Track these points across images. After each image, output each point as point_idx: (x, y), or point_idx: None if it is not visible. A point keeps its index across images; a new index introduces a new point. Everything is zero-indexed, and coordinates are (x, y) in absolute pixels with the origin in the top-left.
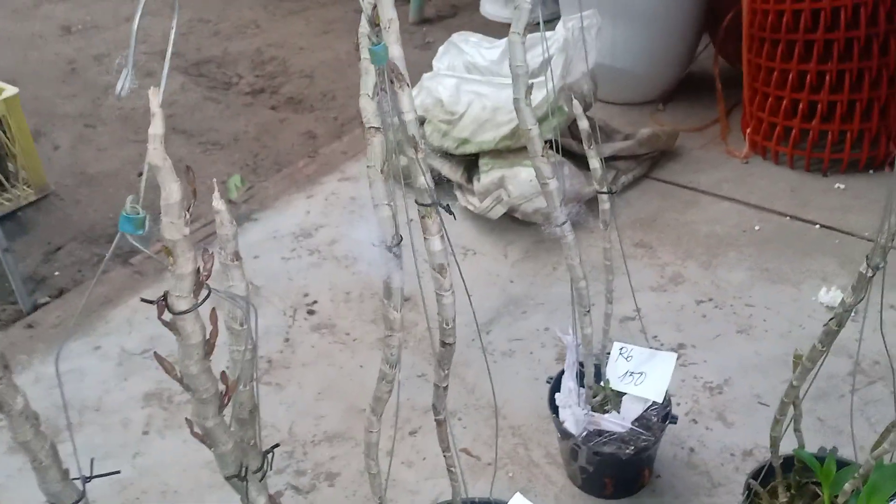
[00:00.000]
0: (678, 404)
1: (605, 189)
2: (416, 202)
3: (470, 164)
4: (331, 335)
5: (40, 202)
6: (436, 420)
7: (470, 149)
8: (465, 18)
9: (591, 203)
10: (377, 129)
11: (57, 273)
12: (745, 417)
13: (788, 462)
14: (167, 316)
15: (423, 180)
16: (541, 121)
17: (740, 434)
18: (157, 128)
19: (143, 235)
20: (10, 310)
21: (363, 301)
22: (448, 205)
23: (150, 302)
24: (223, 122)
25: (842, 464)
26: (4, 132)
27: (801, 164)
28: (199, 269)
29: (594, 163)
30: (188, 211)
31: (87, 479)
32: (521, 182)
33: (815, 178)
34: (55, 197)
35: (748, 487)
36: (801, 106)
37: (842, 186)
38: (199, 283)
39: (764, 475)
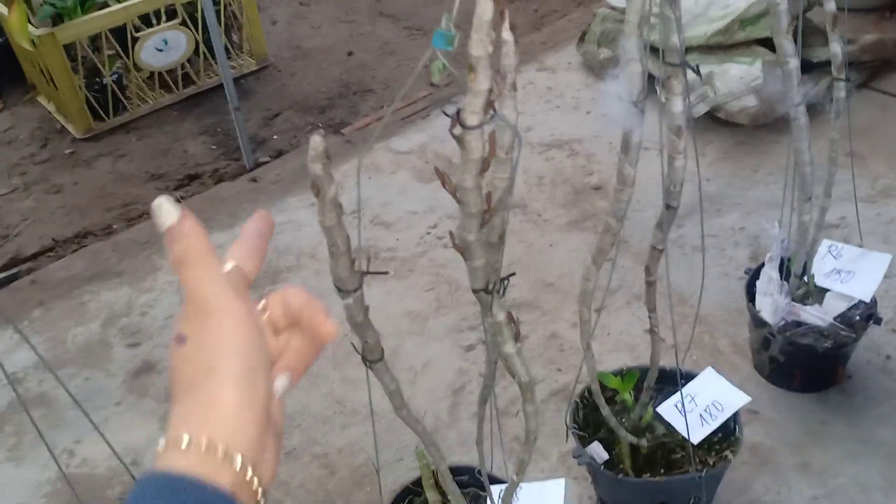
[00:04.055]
0: (879, 312)
1: (842, 76)
2: (664, 61)
3: None
4: (523, 214)
5: (260, 72)
6: (646, 281)
7: None
8: None
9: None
10: None
11: (275, 136)
12: None
13: None
14: (457, 130)
15: (676, 39)
16: (758, 17)
17: None
18: None
19: (353, 110)
20: (235, 165)
21: (555, 186)
22: (697, 65)
23: (447, 114)
24: (427, 8)
25: None
26: (232, 3)
27: None
28: (491, 89)
29: (835, 47)
30: (494, 31)
31: (364, 274)
32: (730, 79)
33: None
34: (273, 68)
35: None
36: None
37: None
38: (490, 103)
39: None
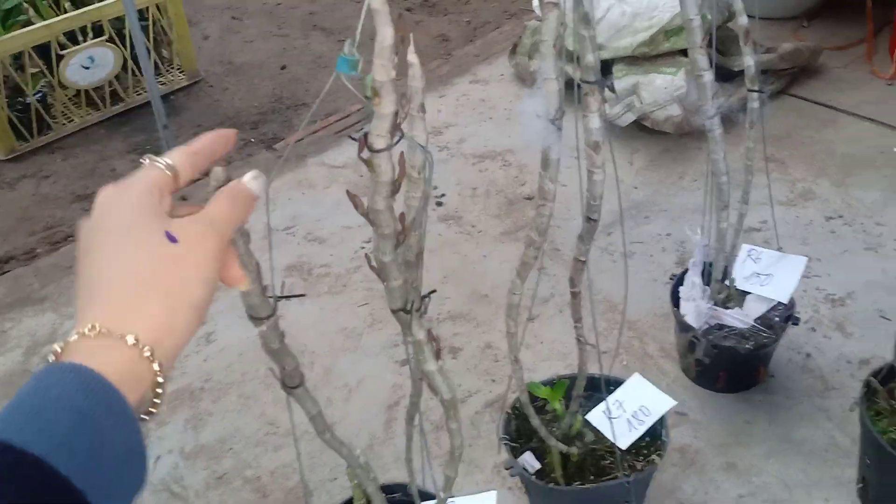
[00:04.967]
0: (797, 313)
1: (756, 87)
2: (581, 79)
3: (601, 70)
4: (457, 226)
5: (191, 87)
6: (571, 292)
7: (604, 55)
8: None
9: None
10: (555, 4)
11: None
12: (866, 330)
13: None
14: (365, 153)
15: (591, 58)
16: (682, 28)
17: (859, 344)
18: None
19: (287, 125)
20: None
21: (489, 197)
22: (612, 83)
23: (354, 139)
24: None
25: None
26: (161, 19)
27: None
28: (397, 112)
29: (748, 60)
30: (396, 55)
31: (278, 298)
32: (655, 89)
33: None
34: (204, 84)
35: (867, 385)
36: None
37: None
38: (396, 125)
39: (883, 377)
